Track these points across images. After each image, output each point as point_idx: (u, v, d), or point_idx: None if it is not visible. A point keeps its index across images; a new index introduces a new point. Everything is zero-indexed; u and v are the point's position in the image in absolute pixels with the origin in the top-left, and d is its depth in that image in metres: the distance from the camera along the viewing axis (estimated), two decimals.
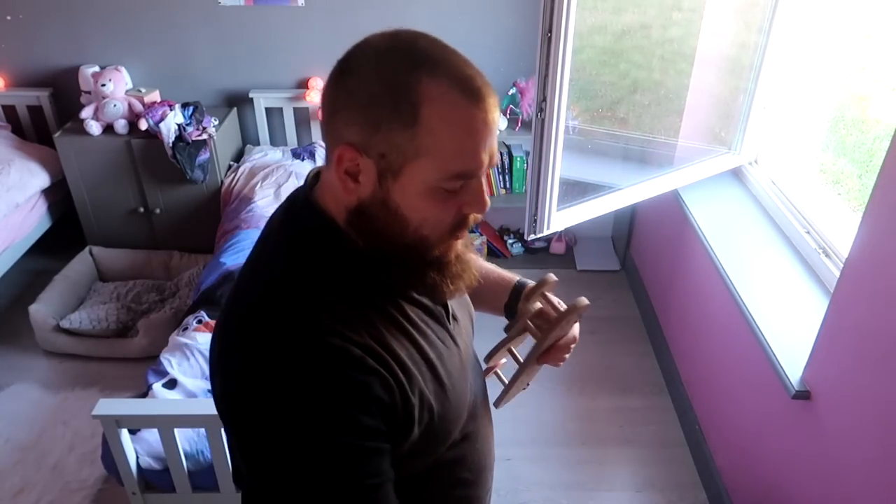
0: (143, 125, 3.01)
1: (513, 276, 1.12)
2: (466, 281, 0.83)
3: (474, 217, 0.78)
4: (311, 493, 0.74)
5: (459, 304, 0.97)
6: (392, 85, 0.70)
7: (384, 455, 0.77)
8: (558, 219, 2.17)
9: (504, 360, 1.12)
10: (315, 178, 0.84)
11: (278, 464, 0.73)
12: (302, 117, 3.41)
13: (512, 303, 1.08)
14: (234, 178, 3.15)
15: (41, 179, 3.08)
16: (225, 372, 0.78)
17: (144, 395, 2.03)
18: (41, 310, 2.74)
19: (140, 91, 3.17)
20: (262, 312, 0.76)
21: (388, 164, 0.72)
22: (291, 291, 0.76)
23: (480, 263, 1.05)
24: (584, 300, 0.98)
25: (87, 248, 3.16)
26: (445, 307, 0.90)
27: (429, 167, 0.71)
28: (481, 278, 0.92)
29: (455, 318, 0.92)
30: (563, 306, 1.01)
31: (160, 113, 3.00)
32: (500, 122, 0.70)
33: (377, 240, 0.77)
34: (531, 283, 1.07)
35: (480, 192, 0.75)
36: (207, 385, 2.09)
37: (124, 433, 1.80)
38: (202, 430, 1.89)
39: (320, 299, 0.75)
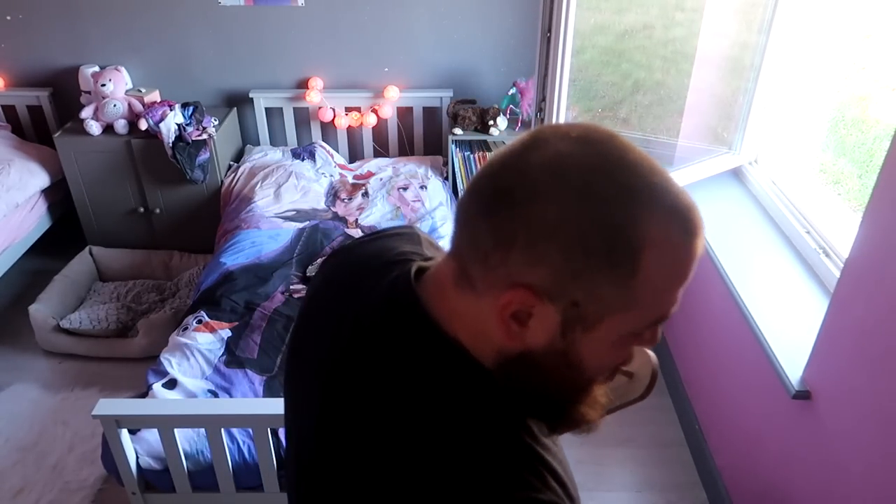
0: (143, 125, 3.01)
1: None
2: (606, 405, 0.71)
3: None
4: None
5: None
6: (606, 225, 0.54)
7: None
8: None
9: None
10: (417, 274, 0.70)
11: None
12: (302, 117, 3.41)
13: None
14: (234, 178, 3.15)
15: (41, 179, 3.08)
16: None
17: (144, 395, 2.03)
18: (41, 310, 2.74)
19: (140, 91, 3.17)
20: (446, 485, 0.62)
21: (581, 314, 0.58)
22: (466, 469, 0.62)
23: None
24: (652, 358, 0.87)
25: (87, 248, 3.16)
26: None
27: (634, 319, 0.59)
28: None
29: None
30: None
31: (160, 113, 3.00)
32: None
33: (538, 387, 0.64)
34: None
35: (658, 330, 0.64)
36: (207, 385, 2.09)
37: (124, 433, 1.80)
38: (202, 430, 1.89)
39: (497, 465, 0.63)
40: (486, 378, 0.65)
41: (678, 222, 0.56)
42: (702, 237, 0.59)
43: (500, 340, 0.62)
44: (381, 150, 3.48)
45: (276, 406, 1.85)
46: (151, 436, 1.88)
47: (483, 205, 0.59)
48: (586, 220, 0.54)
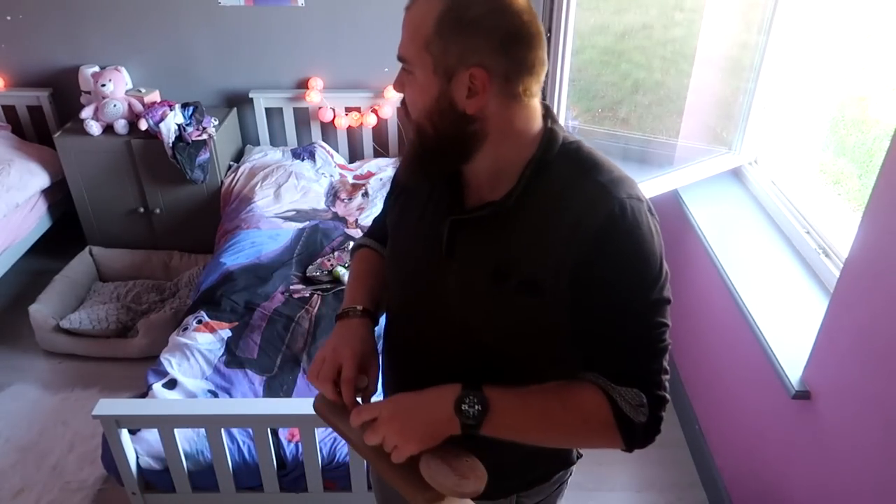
0: (143, 125, 3.01)
1: (357, 298, 1.12)
2: (416, 171, 1.00)
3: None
4: None
5: (473, 270, 0.96)
6: None
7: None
8: None
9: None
10: None
11: None
12: (302, 117, 3.41)
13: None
14: (234, 178, 3.15)
15: (41, 179, 3.08)
16: None
17: (144, 395, 2.03)
18: (41, 310, 2.74)
19: (140, 91, 3.17)
20: None
21: None
22: None
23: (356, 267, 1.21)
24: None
25: (87, 248, 3.16)
26: (449, 238, 0.98)
27: None
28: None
29: (453, 254, 0.98)
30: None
31: (160, 113, 3.00)
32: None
33: None
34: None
35: (397, 76, 0.96)
36: (207, 385, 2.09)
37: (124, 433, 1.81)
38: (202, 430, 1.89)
39: None
40: None
41: None
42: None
43: None
44: (381, 151, 3.48)
45: (276, 406, 1.85)
46: (151, 436, 1.88)
47: None
48: None
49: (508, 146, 0.93)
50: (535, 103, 0.94)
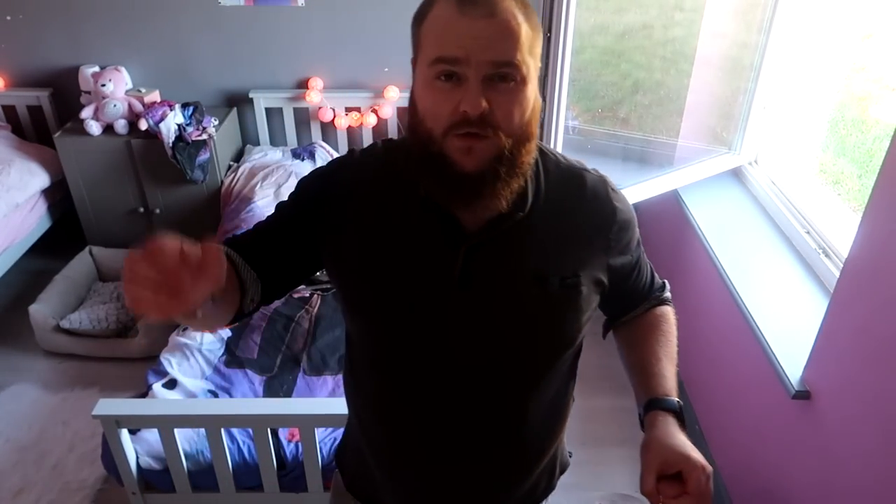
0: (143, 125, 3.01)
1: (659, 386, 1.02)
2: (485, 200, 0.86)
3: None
4: None
5: (507, 290, 0.93)
6: (421, 5, 0.88)
7: (278, 219, 1.01)
8: None
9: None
10: None
11: None
12: (302, 117, 3.40)
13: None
14: (234, 178, 3.15)
15: (41, 179, 3.08)
16: None
17: (144, 395, 2.04)
18: (41, 310, 2.73)
19: (140, 91, 3.17)
20: None
21: (415, 57, 0.89)
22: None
23: (654, 348, 1.11)
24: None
25: (87, 248, 3.16)
26: (464, 268, 0.91)
27: (423, 57, 0.85)
28: (642, 361, 1.09)
29: (468, 287, 0.92)
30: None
31: (160, 113, 3.00)
32: (517, 30, 0.83)
33: (408, 130, 0.91)
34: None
35: (471, 92, 0.81)
36: (207, 385, 2.09)
37: (124, 433, 1.81)
38: (202, 430, 1.89)
39: (353, 157, 1.01)
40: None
41: (451, 4, 0.83)
42: (474, 9, 0.81)
43: None
44: None
45: (276, 406, 1.85)
46: (151, 436, 1.88)
47: None
48: (418, 8, 0.88)
49: None
50: None
